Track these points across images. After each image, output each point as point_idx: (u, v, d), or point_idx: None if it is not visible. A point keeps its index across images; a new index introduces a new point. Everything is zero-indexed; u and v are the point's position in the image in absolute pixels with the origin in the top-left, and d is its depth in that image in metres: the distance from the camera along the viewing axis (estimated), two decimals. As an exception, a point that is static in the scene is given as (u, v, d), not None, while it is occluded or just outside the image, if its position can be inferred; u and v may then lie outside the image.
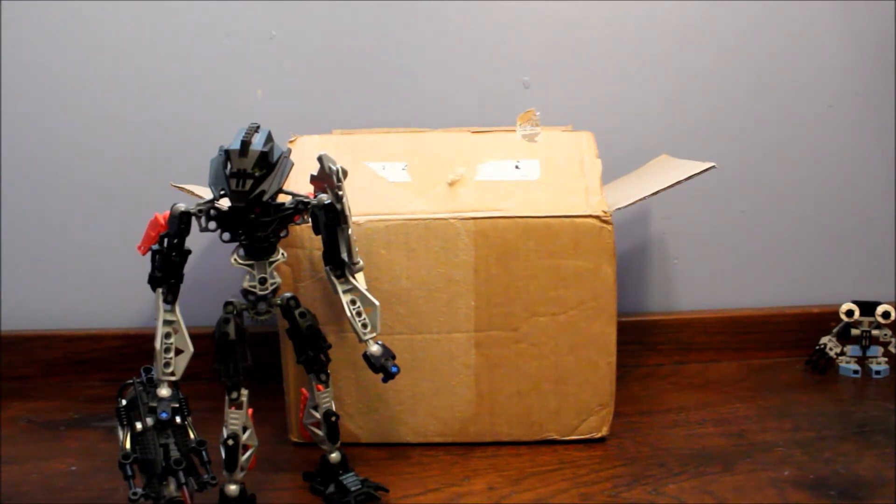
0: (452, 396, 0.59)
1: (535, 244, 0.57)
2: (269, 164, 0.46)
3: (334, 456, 0.52)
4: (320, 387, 0.51)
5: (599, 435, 0.61)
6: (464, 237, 0.57)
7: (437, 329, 0.58)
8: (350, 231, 0.50)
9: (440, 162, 0.61)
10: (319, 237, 0.51)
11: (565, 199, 0.59)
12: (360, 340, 0.51)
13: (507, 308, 0.58)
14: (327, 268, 0.51)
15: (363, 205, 0.57)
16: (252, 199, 0.46)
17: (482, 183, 0.60)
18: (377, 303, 0.51)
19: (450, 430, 0.60)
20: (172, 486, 0.46)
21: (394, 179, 0.60)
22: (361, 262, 0.51)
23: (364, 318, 0.51)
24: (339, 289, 0.51)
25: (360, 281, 0.51)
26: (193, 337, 0.47)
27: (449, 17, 0.81)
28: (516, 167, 0.61)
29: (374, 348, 0.51)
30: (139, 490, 0.45)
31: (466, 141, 0.64)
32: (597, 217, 0.57)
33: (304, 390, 0.53)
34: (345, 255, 0.50)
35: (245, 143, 0.45)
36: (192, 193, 0.59)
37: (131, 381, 0.50)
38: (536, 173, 0.61)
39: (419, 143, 0.64)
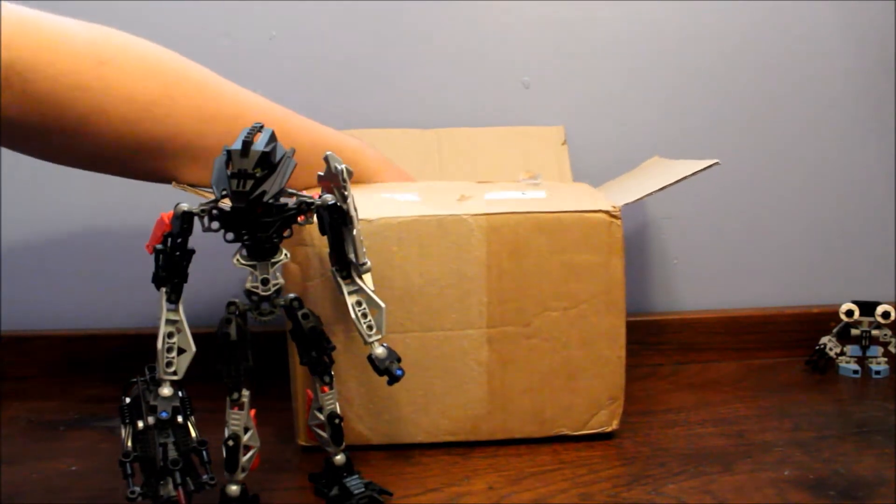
0: (465, 395, 0.60)
1: (547, 239, 0.58)
2: (271, 164, 0.46)
3: (339, 458, 0.52)
4: (325, 388, 0.51)
5: (610, 429, 0.61)
6: (476, 233, 0.57)
7: (449, 326, 0.58)
8: (356, 231, 0.50)
9: (448, 192, 0.63)
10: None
11: (575, 201, 0.60)
12: (365, 342, 0.51)
13: (519, 303, 0.58)
14: (333, 268, 0.51)
15: (375, 212, 0.57)
16: (253, 200, 0.46)
17: (491, 200, 0.61)
18: (383, 304, 0.51)
19: (462, 429, 0.60)
20: (170, 486, 0.46)
21: (405, 199, 0.62)
22: (369, 263, 0.51)
23: (370, 320, 0.51)
24: (345, 290, 0.51)
25: (367, 282, 0.51)
26: (197, 337, 0.47)
27: (450, 18, 0.81)
28: (522, 194, 0.63)
29: (379, 350, 0.51)
30: (137, 489, 0.45)
31: (471, 186, 0.67)
32: (606, 212, 0.58)
33: (308, 392, 0.53)
34: (352, 256, 0.50)
35: (246, 144, 0.45)
36: (196, 192, 0.59)
37: (135, 378, 0.50)
38: (543, 195, 0.62)
39: (425, 186, 0.67)
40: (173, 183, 0.59)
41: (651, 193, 0.59)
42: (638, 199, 0.59)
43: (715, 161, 0.58)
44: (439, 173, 0.78)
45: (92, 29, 0.54)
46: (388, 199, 0.62)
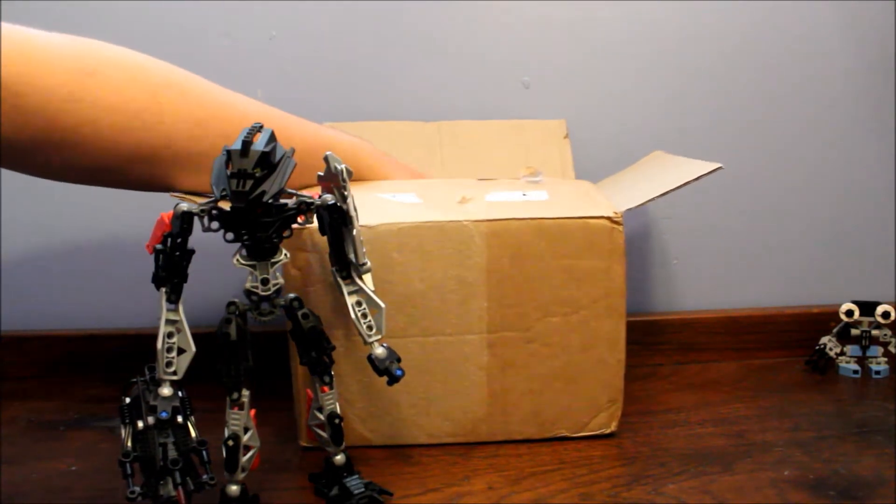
0: (465, 398, 0.60)
1: (548, 245, 0.58)
2: (271, 164, 0.46)
3: (339, 458, 0.52)
4: (325, 388, 0.51)
5: (609, 431, 0.62)
6: (477, 239, 0.57)
7: (450, 331, 0.58)
8: (356, 232, 0.50)
9: (448, 192, 0.63)
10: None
11: (576, 206, 0.60)
12: (365, 343, 0.51)
13: (519, 309, 0.59)
14: (333, 269, 0.51)
15: (376, 217, 0.57)
16: (252, 200, 0.46)
17: (493, 202, 0.61)
18: (383, 305, 0.51)
19: (462, 431, 0.61)
20: (170, 486, 0.46)
21: (405, 202, 0.61)
22: (369, 264, 0.51)
23: (369, 320, 0.51)
24: (345, 290, 0.51)
25: (367, 282, 0.51)
26: (196, 337, 0.47)
27: (450, 18, 0.81)
28: (523, 195, 0.63)
29: (379, 350, 0.51)
30: (136, 489, 0.45)
31: (472, 182, 0.67)
32: (608, 218, 0.58)
33: (308, 391, 0.53)
34: (351, 256, 0.50)
35: (246, 143, 0.45)
36: (193, 200, 0.59)
37: (135, 378, 0.50)
38: (545, 197, 0.62)
39: (425, 185, 0.67)
40: (171, 193, 0.59)
41: (653, 199, 0.58)
42: (640, 205, 0.59)
43: (718, 165, 0.58)
44: (441, 167, 0.78)
45: (78, 42, 0.55)
46: (387, 200, 0.62)
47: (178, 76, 0.59)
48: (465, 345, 0.59)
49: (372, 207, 0.58)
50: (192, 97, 0.58)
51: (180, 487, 0.45)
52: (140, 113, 0.55)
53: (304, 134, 0.64)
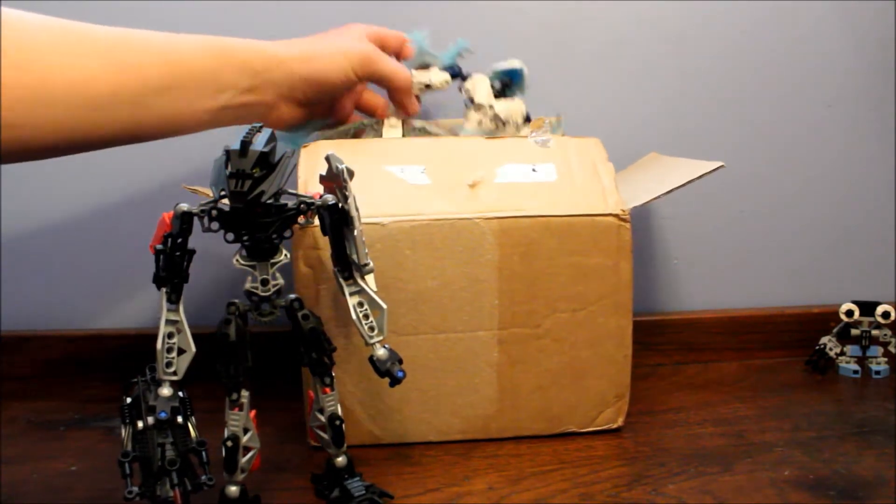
0: (475, 394, 0.60)
1: (557, 242, 0.58)
2: (270, 164, 0.45)
3: (340, 460, 0.52)
4: (326, 389, 0.51)
5: (616, 426, 0.62)
6: (488, 236, 0.57)
7: (461, 328, 0.59)
8: (357, 232, 0.50)
9: (458, 165, 0.62)
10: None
11: (584, 199, 0.60)
12: (367, 344, 0.50)
13: (529, 305, 0.59)
14: (335, 269, 0.51)
15: (386, 206, 0.57)
16: (250, 201, 0.45)
17: (502, 185, 0.60)
18: (385, 306, 0.51)
19: (472, 428, 0.61)
20: (168, 487, 0.46)
21: (414, 182, 0.60)
22: (371, 264, 0.51)
23: (371, 321, 0.50)
24: (346, 291, 0.51)
25: (369, 283, 0.51)
26: (197, 337, 0.47)
27: (449, 17, 0.81)
28: (533, 170, 0.62)
29: (381, 352, 0.50)
30: (135, 489, 0.45)
31: (481, 146, 0.65)
32: (615, 216, 0.58)
33: (310, 392, 0.53)
34: (354, 256, 0.50)
35: (245, 144, 0.45)
36: (207, 195, 0.58)
37: (136, 378, 0.50)
38: (553, 175, 0.61)
39: (435, 148, 0.65)
40: (182, 185, 0.59)
41: (658, 197, 0.59)
42: (646, 203, 0.59)
43: (720, 164, 0.58)
44: None
45: None
46: (395, 177, 0.60)
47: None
48: (475, 342, 0.59)
49: (381, 190, 0.57)
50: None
51: (177, 488, 0.45)
52: None
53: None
